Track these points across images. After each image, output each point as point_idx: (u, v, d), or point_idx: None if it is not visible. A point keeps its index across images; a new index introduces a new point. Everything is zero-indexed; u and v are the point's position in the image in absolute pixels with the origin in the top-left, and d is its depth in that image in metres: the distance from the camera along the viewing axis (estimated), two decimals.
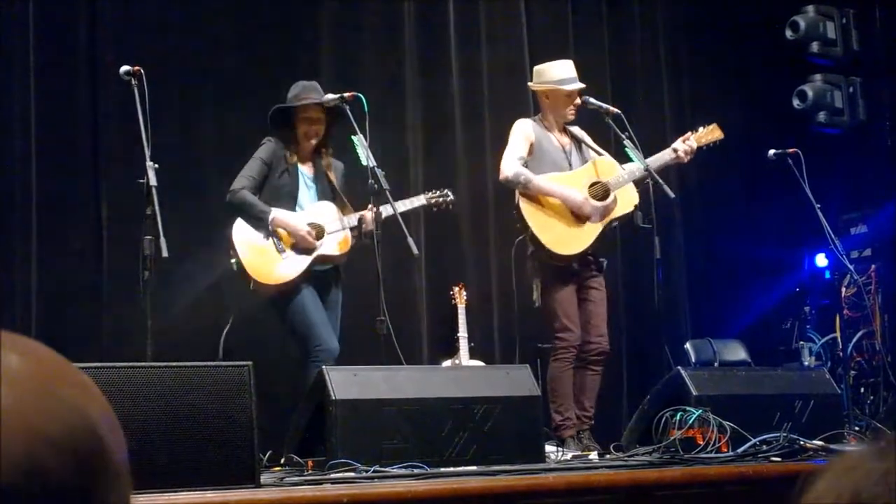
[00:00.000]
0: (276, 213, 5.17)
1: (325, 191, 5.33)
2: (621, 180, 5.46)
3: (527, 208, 5.43)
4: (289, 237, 5.19)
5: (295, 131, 5.26)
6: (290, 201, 5.24)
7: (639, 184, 5.48)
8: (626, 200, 5.47)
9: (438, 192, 5.61)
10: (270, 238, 5.16)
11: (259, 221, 5.15)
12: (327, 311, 5.22)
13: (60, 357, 0.74)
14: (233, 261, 5.15)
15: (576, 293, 5.46)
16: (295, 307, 5.13)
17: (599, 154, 5.57)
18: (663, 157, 5.54)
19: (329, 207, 5.30)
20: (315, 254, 5.20)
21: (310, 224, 5.20)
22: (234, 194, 5.16)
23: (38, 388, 0.69)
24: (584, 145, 5.61)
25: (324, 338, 5.08)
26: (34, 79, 5.74)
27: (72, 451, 0.68)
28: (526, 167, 5.47)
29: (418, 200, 5.54)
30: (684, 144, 5.57)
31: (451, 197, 5.63)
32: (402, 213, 5.19)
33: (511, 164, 5.42)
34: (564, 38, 7.44)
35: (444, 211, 5.66)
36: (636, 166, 5.44)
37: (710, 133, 5.70)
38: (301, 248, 5.19)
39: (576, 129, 5.68)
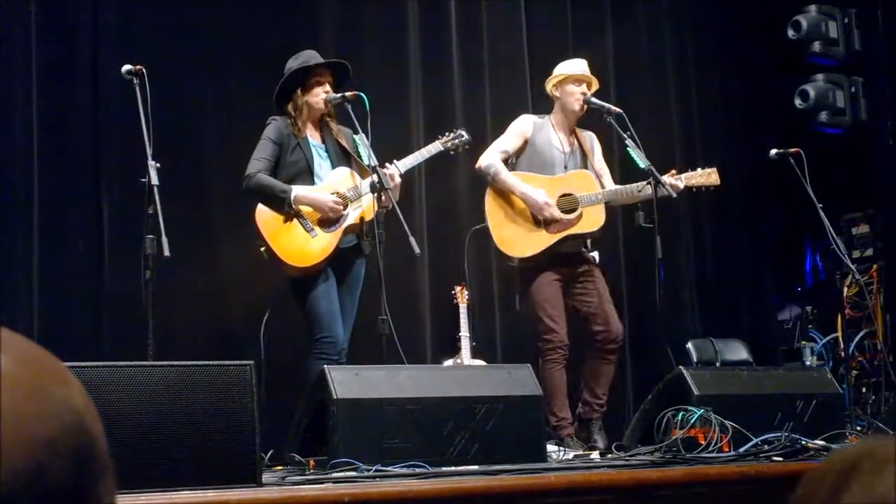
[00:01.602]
0: (298, 191, 4.97)
1: (339, 157, 5.16)
2: (593, 199, 5.42)
3: (490, 201, 5.51)
4: (314, 213, 5.01)
5: (299, 102, 5.10)
6: (308, 175, 5.06)
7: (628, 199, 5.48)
8: (592, 220, 5.44)
9: (453, 135, 5.41)
10: (296, 218, 4.98)
11: (280, 202, 4.95)
12: (346, 291, 5.08)
13: (43, 350, 0.73)
14: (262, 249, 5.00)
15: (561, 292, 5.44)
16: (311, 296, 4.98)
17: (586, 168, 5.54)
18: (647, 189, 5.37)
19: (346, 173, 5.13)
20: (344, 224, 5.04)
21: (332, 194, 5.03)
22: (249, 179, 4.98)
23: (33, 391, 0.68)
24: (591, 155, 5.57)
25: (331, 329, 4.96)
26: (36, 77, 5.74)
27: (68, 452, 0.68)
28: (513, 162, 5.50)
29: (434, 148, 5.36)
30: (669, 178, 5.39)
31: (466, 137, 5.42)
32: (422, 162, 5.32)
33: (487, 155, 5.51)
34: (564, 37, 7.44)
35: (461, 152, 5.52)
36: (614, 191, 5.45)
37: (706, 176, 5.54)
38: (328, 221, 5.03)
39: (588, 137, 5.66)
